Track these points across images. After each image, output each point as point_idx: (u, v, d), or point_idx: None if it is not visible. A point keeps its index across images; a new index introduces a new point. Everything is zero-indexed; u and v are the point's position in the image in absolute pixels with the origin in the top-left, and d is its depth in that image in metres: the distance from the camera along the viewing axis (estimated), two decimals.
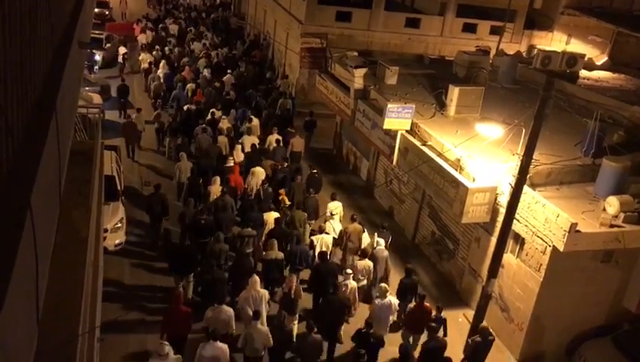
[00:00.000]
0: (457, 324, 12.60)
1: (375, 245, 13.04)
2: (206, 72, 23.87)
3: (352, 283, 11.68)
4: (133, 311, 11.81)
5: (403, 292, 11.93)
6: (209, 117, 19.27)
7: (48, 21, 4.03)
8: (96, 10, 29.53)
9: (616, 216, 11.08)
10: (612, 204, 11.08)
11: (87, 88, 20.47)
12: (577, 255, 11.05)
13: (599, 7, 27.24)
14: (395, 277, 12.76)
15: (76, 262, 5.50)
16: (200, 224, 12.87)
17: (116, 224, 13.41)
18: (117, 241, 13.38)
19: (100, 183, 9.02)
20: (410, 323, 11.38)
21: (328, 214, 14.19)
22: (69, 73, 5.00)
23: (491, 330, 10.85)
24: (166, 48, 27.24)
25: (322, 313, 11.05)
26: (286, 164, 16.72)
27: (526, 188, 11.06)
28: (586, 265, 11.48)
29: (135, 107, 20.39)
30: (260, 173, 15.55)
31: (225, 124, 18.68)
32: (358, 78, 16.63)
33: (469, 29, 27.14)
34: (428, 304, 11.32)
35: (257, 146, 17.43)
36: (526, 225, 11.52)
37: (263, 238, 13.21)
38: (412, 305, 11.72)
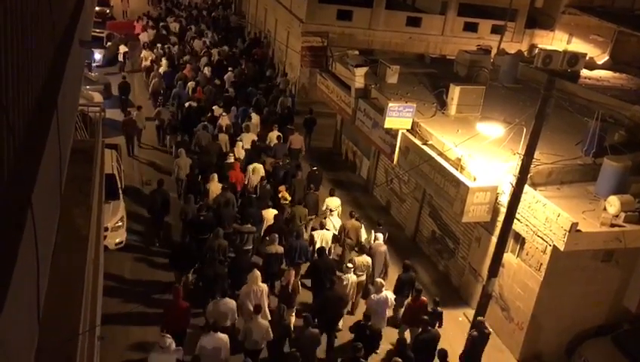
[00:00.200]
0: (458, 323, 12.60)
1: (372, 240, 13.19)
2: (206, 70, 23.92)
3: (352, 278, 11.82)
4: (134, 304, 11.94)
5: (400, 287, 12.07)
6: (209, 114, 19.35)
7: (49, 19, 4.03)
8: (97, 8, 29.52)
9: (617, 216, 11.07)
10: (613, 204, 11.07)
11: (88, 87, 20.49)
12: (578, 254, 11.06)
13: (601, 7, 27.23)
14: (394, 274, 12.83)
15: (77, 260, 5.50)
16: (199, 220, 12.96)
17: (117, 223, 13.43)
18: (117, 240, 13.41)
19: (100, 182, 9.02)
20: (407, 317, 11.50)
21: (324, 208, 14.42)
22: (70, 72, 5.00)
23: (487, 325, 10.89)
24: (166, 46, 27.26)
25: (321, 307, 11.16)
26: (287, 161, 16.82)
27: (527, 188, 11.06)
28: (587, 264, 11.48)
29: (135, 105, 20.44)
30: (260, 170, 15.67)
31: (225, 121, 18.77)
32: (358, 76, 16.62)
33: (470, 28, 27.14)
34: (424, 298, 11.46)
35: (256, 143, 17.50)
36: (526, 225, 11.52)
37: (262, 234, 13.39)
38: (409, 299, 11.83)
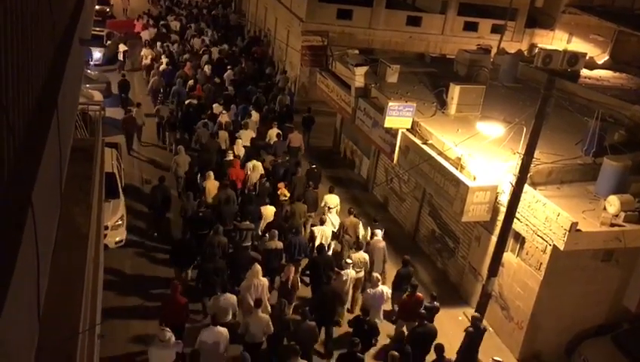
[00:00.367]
0: (457, 322, 12.60)
1: (369, 236, 13.39)
2: (207, 68, 24.00)
3: (351, 273, 11.94)
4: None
5: (399, 282, 12.17)
6: (209, 112, 19.46)
7: (50, 18, 4.03)
8: (97, 7, 29.51)
9: (617, 216, 11.07)
10: (613, 203, 11.08)
11: (88, 86, 20.50)
12: (578, 254, 11.06)
13: (601, 6, 27.23)
14: (391, 269, 12.95)
15: (77, 259, 5.51)
16: (199, 217, 13.08)
17: (117, 221, 13.43)
18: (117, 239, 13.41)
19: (100, 180, 9.03)
20: (403, 311, 11.59)
21: (323, 205, 14.56)
22: (71, 71, 5.00)
23: (484, 321, 10.98)
24: (165, 44, 27.31)
25: (318, 302, 11.37)
26: (286, 159, 16.91)
27: (527, 187, 11.06)
28: (587, 264, 11.49)
29: (135, 103, 20.49)
30: (259, 167, 15.78)
31: (224, 118, 18.86)
32: (358, 76, 16.61)
33: (471, 27, 27.13)
34: (420, 294, 11.55)
35: (255, 141, 17.66)
36: (526, 224, 11.52)
37: (260, 230, 13.55)
38: (405, 295, 11.87)
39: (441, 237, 14.88)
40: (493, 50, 22.75)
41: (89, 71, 22.64)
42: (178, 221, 14.33)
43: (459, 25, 26.91)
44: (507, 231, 11.03)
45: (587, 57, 12.96)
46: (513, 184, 10.91)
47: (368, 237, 13.48)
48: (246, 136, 17.62)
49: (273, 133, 18.08)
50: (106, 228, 12.67)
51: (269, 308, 10.70)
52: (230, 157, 15.98)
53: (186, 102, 20.12)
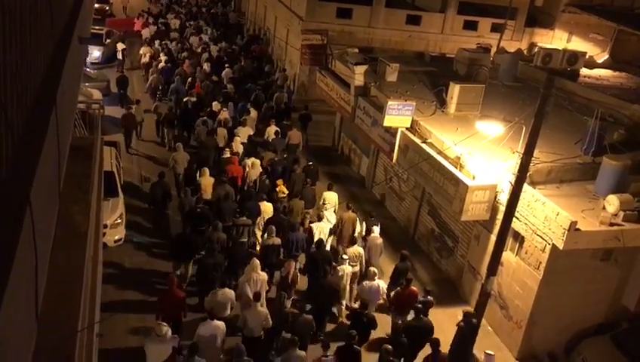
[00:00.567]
0: (456, 321, 12.59)
1: (364, 232, 13.74)
2: (206, 66, 24.07)
3: (347, 269, 12.12)
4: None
5: (397, 277, 12.34)
6: (208, 109, 19.60)
7: (49, 16, 4.01)
8: (96, 5, 29.47)
9: (616, 215, 11.07)
10: (612, 203, 11.07)
11: (87, 84, 20.48)
12: (577, 253, 11.06)
13: (600, 5, 27.21)
14: (387, 264, 13.20)
15: (76, 257, 5.49)
16: (197, 213, 13.20)
17: (116, 220, 13.45)
18: (116, 237, 13.44)
19: (99, 179, 9.03)
20: (397, 304, 11.73)
21: (322, 202, 14.75)
22: (70, 68, 4.99)
23: (478, 316, 11.11)
24: (164, 43, 27.35)
25: (315, 295, 11.61)
26: (284, 156, 17.04)
27: (526, 187, 11.05)
28: (586, 263, 11.49)
29: (134, 101, 20.59)
30: (258, 164, 15.89)
31: (224, 115, 19.01)
32: (358, 75, 16.60)
33: (470, 26, 27.10)
34: (414, 288, 11.76)
35: (252, 138, 17.79)
36: (526, 223, 11.52)
37: (260, 226, 13.72)
38: (399, 288, 12.03)
39: (440, 236, 14.87)
40: (493, 49, 22.74)
41: (88, 69, 22.63)
42: (175, 217, 14.52)
43: (458, 24, 26.88)
44: (506, 230, 11.01)
45: (587, 56, 12.88)
46: (512, 183, 10.90)
47: (363, 232, 13.80)
48: (244, 134, 17.77)
49: (271, 130, 18.21)
50: (105, 226, 12.68)
51: (264, 302, 10.82)
52: (227, 154, 16.08)
53: (185, 99, 20.20)
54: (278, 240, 12.50)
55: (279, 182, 15.22)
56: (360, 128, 16.78)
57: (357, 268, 12.62)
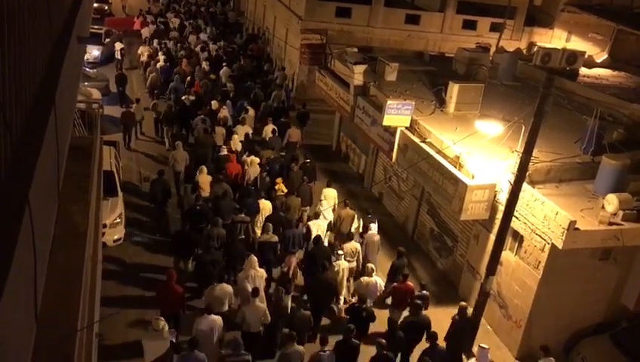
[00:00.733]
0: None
1: (361, 228, 13.92)
2: (205, 65, 24.11)
3: (343, 264, 12.26)
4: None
5: (394, 273, 12.47)
6: (207, 108, 19.69)
7: (47, 15, 4.01)
8: (95, 4, 29.45)
9: (615, 214, 11.07)
10: (611, 202, 11.08)
11: (86, 84, 20.49)
12: (576, 252, 11.06)
13: (599, 5, 27.20)
14: (384, 261, 13.25)
15: (75, 257, 5.49)
16: (196, 210, 13.29)
17: (115, 219, 13.45)
18: (116, 237, 13.45)
19: (98, 178, 9.02)
20: (394, 299, 11.88)
21: (322, 199, 14.85)
22: (68, 68, 4.99)
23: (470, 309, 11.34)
24: (163, 42, 27.38)
25: (312, 290, 11.72)
26: (281, 154, 17.18)
27: (525, 186, 11.06)
28: (585, 262, 11.50)
29: (133, 100, 20.73)
30: (256, 162, 15.98)
31: (223, 113, 19.13)
32: (357, 74, 16.59)
33: (469, 25, 27.09)
34: (410, 283, 11.90)
35: (250, 136, 17.83)
36: (525, 223, 11.52)
37: (259, 224, 13.78)
38: (396, 284, 12.15)
39: (439, 236, 14.88)
40: (492, 49, 22.73)
41: (87, 69, 22.63)
42: (174, 215, 14.70)
43: (458, 23, 26.87)
44: (506, 229, 11.02)
45: (586, 56, 12.90)
46: (512, 182, 10.91)
47: (360, 229, 13.98)
48: (242, 132, 17.84)
49: (268, 128, 18.34)
50: (105, 226, 12.70)
51: (264, 297, 10.96)
52: (225, 152, 16.18)
53: (183, 97, 20.29)
54: (275, 237, 12.61)
55: (279, 180, 15.33)
56: (359, 127, 16.78)
57: (353, 264, 12.80)
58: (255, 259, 11.32)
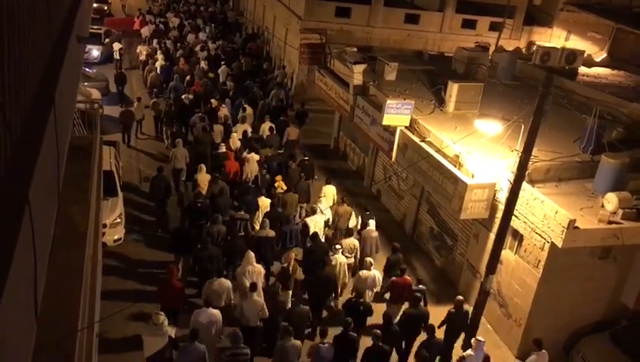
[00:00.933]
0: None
1: (359, 225, 14.05)
2: (203, 64, 24.17)
3: (341, 258, 12.36)
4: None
5: (389, 268, 12.60)
6: (208, 106, 19.79)
7: (46, 15, 4.01)
8: (95, 5, 29.45)
9: (615, 213, 11.08)
10: (610, 201, 11.09)
11: (86, 84, 20.49)
12: (576, 251, 11.07)
13: (598, 4, 27.19)
14: (383, 259, 13.25)
15: (75, 257, 5.49)
16: (197, 207, 13.40)
17: (115, 219, 13.45)
18: (116, 237, 13.44)
19: (98, 178, 9.03)
20: (392, 294, 11.95)
21: (322, 196, 14.94)
22: (68, 68, 4.99)
23: (463, 299, 11.38)
24: (162, 41, 27.39)
25: (311, 286, 11.82)
26: (278, 152, 17.28)
27: (525, 185, 11.06)
28: (585, 261, 11.50)
29: (133, 100, 20.85)
30: (255, 159, 16.03)
31: (223, 112, 19.23)
32: (357, 73, 16.59)
33: (469, 25, 27.10)
34: (408, 277, 12.01)
35: (249, 134, 17.95)
36: (524, 222, 11.53)
37: (259, 221, 13.89)
38: (394, 278, 12.20)
39: (439, 235, 14.89)
40: (492, 48, 22.73)
41: (87, 69, 22.64)
42: (174, 212, 14.77)
43: (457, 22, 26.88)
44: (505, 228, 11.03)
45: (585, 55, 12.92)
46: (511, 181, 10.91)
47: (359, 226, 14.09)
48: (241, 130, 17.93)
49: (266, 126, 18.45)
50: (105, 226, 12.70)
51: (261, 292, 11.09)
52: (223, 149, 16.24)
53: (183, 96, 20.35)
54: (272, 233, 12.71)
55: (278, 178, 15.44)
56: (359, 127, 16.79)
57: (352, 260, 12.93)
58: (252, 254, 11.43)
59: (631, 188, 11.71)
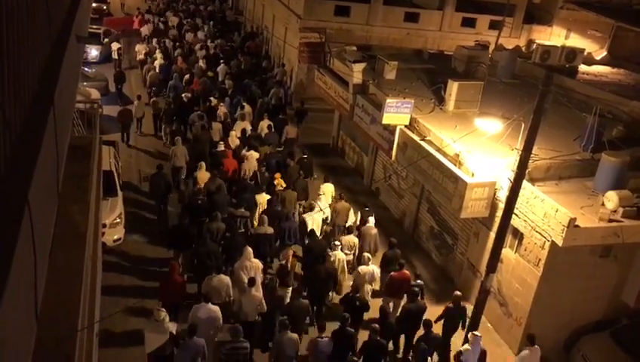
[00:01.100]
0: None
1: (358, 222, 14.15)
2: (202, 63, 24.23)
3: (340, 255, 12.48)
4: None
5: (386, 263, 12.67)
6: (207, 104, 19.88)
7: (46, 15, 4.00)
8: (94, 4, 29.43)
9: (615, 211, 11.08)
10: (611, 199, 11.08)
11: (85, 83, 20.49)
12: (576, 250, 11.07)
13: (598, 2, 27.17)
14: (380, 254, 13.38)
15: (75, 257, 5.49)
16: (197, 204, 13.48)
17: (115, 219, 13.45)
18: (116, 236, 13.45)
19: (98, 178, 9.02)
20: (390, 289, 12.02)
21: (321, 193, 14.99)
22: (67, 68, 4.98)
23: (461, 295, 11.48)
24: (162, 40, 27.41)
25: (310, 281, 11.92)
26: (277, 150, 17.33)
27: (525, 183, 11.05)
28: (585, 259, 11.50)
29: (131, 99, 20.90)
30: (255, 157, 16.08)
31: (222, 110, 19.31)
32: (356, 72, 16.58)
33: (468, 23, 27.08)
34: (406, 271, 12.11)
35: (248, 132, 18.00)
36: (525, 220, 11.52)
37: (257, 217, 13.99)
38: (393, 273, 12.26)
39: (439, 234, 14.88)
40: (491, 47, 22.72)
41: (86, 69, 22.63)
42: (174, 210, 14.78)
43: (457, 21, 26.86)
44: (505, 227, 11.01)
45: (585, 53, 12.91)
46: (511, 180, 10.90)
47: (358, 223, 14.17)
48: (239, 128, 18.00)
49: (264, 124, 18.51)
50: (104, 226, 12.70)
51: (260, 287, 11.16)
52: (222, 147, 16.29)
53: (183, 95, 20.40)
54: (270, 230, 12.77)
55: (277, 175, 15.50)
56: (359, 126, 16.78)
57: (350, 257, 12.99)
58: (250, 250, 11.50)
59: (631, 186, 11.71)
